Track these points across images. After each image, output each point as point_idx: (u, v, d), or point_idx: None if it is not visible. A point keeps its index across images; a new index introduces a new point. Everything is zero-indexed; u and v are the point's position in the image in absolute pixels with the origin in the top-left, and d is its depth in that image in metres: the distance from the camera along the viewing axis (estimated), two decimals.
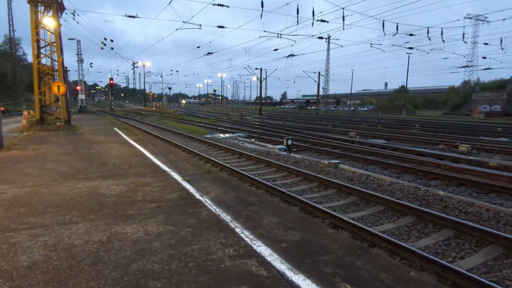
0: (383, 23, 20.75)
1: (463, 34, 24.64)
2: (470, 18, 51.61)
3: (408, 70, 51.28)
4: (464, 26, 26.12)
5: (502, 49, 26.95)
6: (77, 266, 2.66)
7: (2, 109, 26.23)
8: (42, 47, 15.98)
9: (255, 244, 3.20)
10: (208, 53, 34.03)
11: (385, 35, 21.61)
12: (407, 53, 45.62)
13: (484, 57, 36.85)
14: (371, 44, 29.12)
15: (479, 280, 3.23)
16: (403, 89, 63.88)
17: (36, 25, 15.12)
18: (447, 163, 9.63)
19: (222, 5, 18.41)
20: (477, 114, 46.81)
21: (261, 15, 17.67)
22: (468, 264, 3.83)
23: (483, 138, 17.37)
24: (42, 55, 15.99)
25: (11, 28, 47.80)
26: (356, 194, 6.39)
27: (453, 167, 9.13)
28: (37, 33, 15.28)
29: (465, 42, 26.14)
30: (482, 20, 51.98)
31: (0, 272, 2.52)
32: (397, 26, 21.62)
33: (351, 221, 4.79)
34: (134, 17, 20.40)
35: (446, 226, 4.82)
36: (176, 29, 21.65)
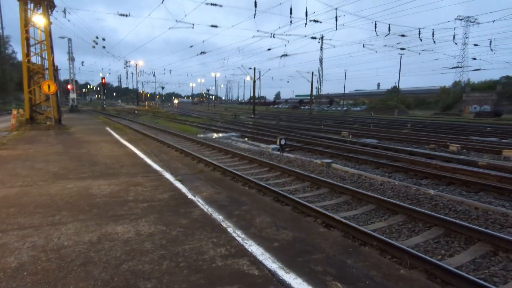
0: (375, 24, 20.96)
1: (454, 35, 25.05)
2: (461, 20, 52.29)
3: (400, 70, 51.64)
4: (454, 28, 26.50)
5: (492, 50, 27.45)
6: (67, 267, 2.63)
7: None
8: (32, 45, 15.75)
9: (246, 243, 3.20)
10: (201, 53, 34.01)
11: (377, 35, 21.82)
12: (399, 53, 45.95)
13: (474, 58, 37.52)
14: (363, 44, 29.39)
15: (467, 277, 3.29)
16: (395, 90, 64.48)
17: (26, 23, 14.88)
18: (437, 163, 9.76)
19: (215, 5, 18.42)
20: (467, 114, 47.45)
21: (255, 15, 17.71)
22: (457, 262, 3.88)
23: (473, 138, 17.63)
24: (32, 54, 15.76)
25: (0, 26, 47.01)
26: (348, 193, 6.43)
27: (443, 166, 9.25)
28: (27, 31, 15.05)
29: (456, 43, 26.56)
30: (473, 22, 52.69)
31: None
32: (389, 26, 21.85)
33: (343, 220, 4.82)
34: (126, 15, 20.28)
35: (436, 224, 4.89)
36: (169, 28, 21.62)
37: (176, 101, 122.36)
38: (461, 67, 54.83)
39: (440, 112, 53.29)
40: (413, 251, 3.86)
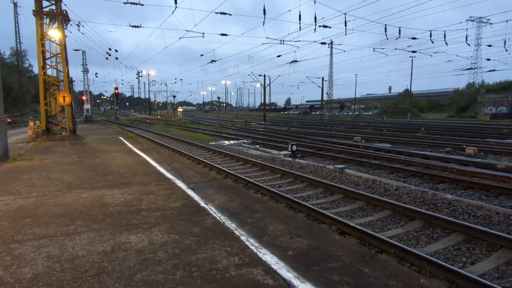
0: (385, 27, 20.77)
1: (466, 37, 24.59)
2: (473, 21, 51.52)
3: (412, 73, 51.02)
4: (467, 29, 26.01)
5: (506, 50, 26.78)
6: (81, 277, 2.62)
7: (9, 120, 26.55)
8: (48, 58, 16.21)
9: (260, 252, 3.15)
10: (212, 61, 34.31)
11: (387, 39, 21.59)
12: (410, 56, 45.55)
13: (488, 59, 36.69)
14: (374, 48, 29.16)
15: (491, 285, 3.14)
16: (407, 93, 63.69)
17: (42, 37, 15.35)
18: (454, 166, 9.50)
19: (225, 13, 18.58)
20: (483, 116, 46.41)
21: (264, 22, 17.78)
22: (479, 270, 3.73)
23: (490, 140, 17.16)
24: (47, 66, 16.21)
25: (18, 40, 48.55)
26: (363, 199, 6.30)
27: (460, 170, 9.00)
28: (43, 45, 15.51)
29: (469, 45, 26.07)
30: (485, 22, 51.87)
31: (3, 285, 2.49)
32: (399, 30, 21.61)
33: (358, 227, 4.71)
34: (138, 27, 20.64)
35: (455, 230, 4.73)
36: (180, 38, 21.91)
37: (180, 109, 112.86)
38: (475, 68, 53.85)
39: (454, 114, 52.31)
40: (433, 259, 3.72)
